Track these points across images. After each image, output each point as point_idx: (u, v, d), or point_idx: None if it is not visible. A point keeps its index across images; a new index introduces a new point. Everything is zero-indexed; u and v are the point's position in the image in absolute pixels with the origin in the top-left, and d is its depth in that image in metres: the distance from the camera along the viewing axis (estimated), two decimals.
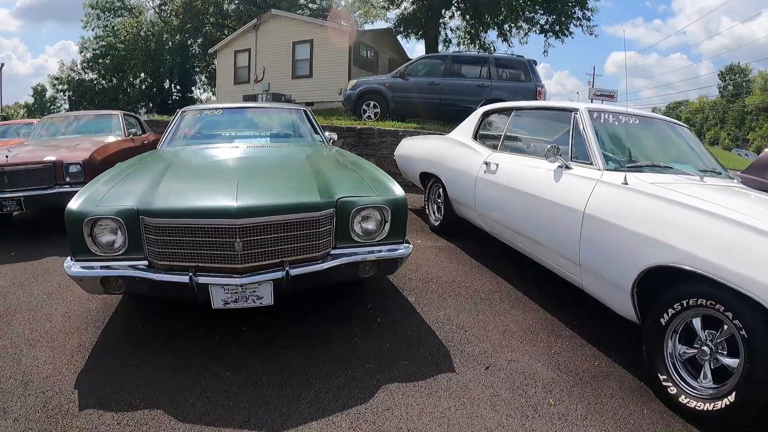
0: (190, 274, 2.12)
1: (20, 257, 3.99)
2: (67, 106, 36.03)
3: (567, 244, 2.66)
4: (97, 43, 28.38)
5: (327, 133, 4.37)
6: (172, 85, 27.35)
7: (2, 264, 3.81)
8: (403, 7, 19.12)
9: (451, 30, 22.50)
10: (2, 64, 37.03)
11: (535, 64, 9.57)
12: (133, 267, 2.17)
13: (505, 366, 2.34)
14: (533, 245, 3.13)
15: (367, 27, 20.21)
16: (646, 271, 2.12)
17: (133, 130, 6.44)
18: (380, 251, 2.43)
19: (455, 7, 18.54)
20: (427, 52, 19.46)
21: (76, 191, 4.26)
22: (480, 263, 3.99)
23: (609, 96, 30.84)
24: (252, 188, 2.35)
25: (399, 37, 20.61)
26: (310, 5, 24.22)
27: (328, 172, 2.78)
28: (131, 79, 27.03)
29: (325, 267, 2.27)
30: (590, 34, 19.22)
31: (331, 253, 2.35)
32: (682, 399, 1.99)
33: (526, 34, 21.54)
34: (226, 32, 24.36)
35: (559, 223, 2.73)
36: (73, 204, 2.22)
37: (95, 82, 28.26)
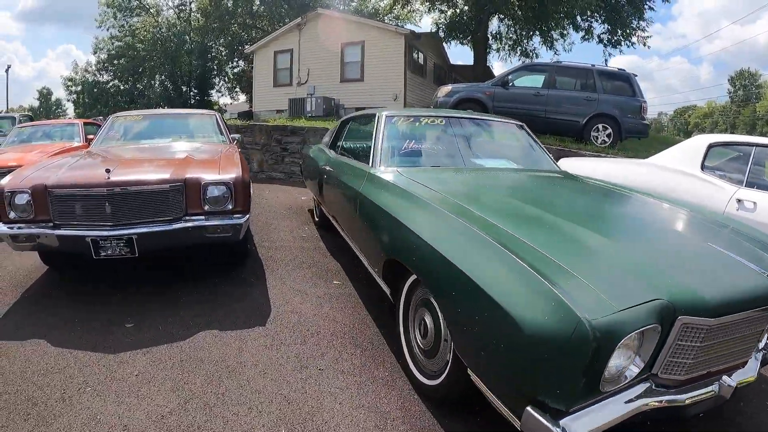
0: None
1: (146, 334, 2.61)
2: (73, 109, 34.46)
3: None
4: (112, 43, 26.90)
5: None
6: (190, 88, 25.88)
7: (127, 351, 2.41)
8: (449, 12, 17.86)
9: (492, 36, 21.42)
10: (9, 66, 35.62)
11: (636, 77, 9.01)
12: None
13: None
14: None
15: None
16: None
17: (236, 136, 5.01)
18: None
19: (508, 13, 17.33)
20: (475, 59, 18.39)
21: (219, 226, 2.96)
22: None
23: None
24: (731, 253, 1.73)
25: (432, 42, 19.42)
26: (346, 7, 23.02)
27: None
28: (149, 81, 25.52)
29: None
30: (644, 45, 18.32)
31: None
32: None
33: (572, 42, 20.60)
34: (253, 33, 23.09)
35: None
36: (560, 312, 1.24)
37: (110, 84, 26.69)
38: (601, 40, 18.34)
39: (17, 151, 6.17)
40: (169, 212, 2.96)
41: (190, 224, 2.96)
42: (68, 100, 30.76)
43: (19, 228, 2.85)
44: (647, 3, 17.12)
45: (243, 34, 23.23)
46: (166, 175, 2.97)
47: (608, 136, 8.69)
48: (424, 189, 2.32)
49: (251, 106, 22.31)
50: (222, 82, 28.03)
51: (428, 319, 1.96)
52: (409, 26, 23.88)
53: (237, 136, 5.05)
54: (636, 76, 9.16)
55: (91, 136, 7.83)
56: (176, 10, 26.25)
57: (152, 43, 24.74)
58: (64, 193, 2.85)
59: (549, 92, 8.81)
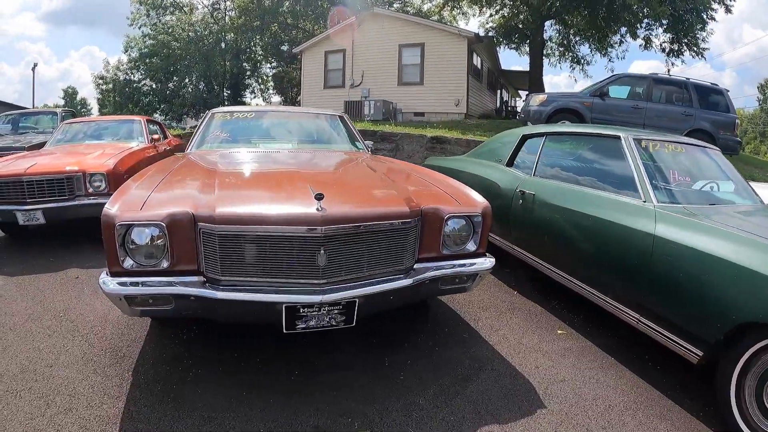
0: None
1: None
2: (98, 109, 34.09)
3: None
4: (144, 42, 26.48)
5: None
6: (223, 88, 25.33)
7: None
8: (508, 15, 17.11)
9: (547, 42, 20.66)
10: (35, 64, 35.44)
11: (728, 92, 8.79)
12: None
13: None
14: None
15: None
16: None
17: (369, 143, 4.24)
18: None
19: (571, 19, 16.56)
20: (531, 64, 17.58)
21: (459, 275, 2.26)
22: None
23: None
24: None
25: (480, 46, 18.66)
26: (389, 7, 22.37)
27: None
28: (183, 81, 24.99)
29: None
30: (698, 55, 17.57)
31: None
32: None
33: (626, 50, 19.81)
34: (293, 33, 22.54)
35: None
36: None
37: (142, 82, 26.22)
38: (663, 50, 17.62)
39: (71, 152, 5.05)
40: (403, 259, 2.10)
41: (427, 275, 2.13)
42: (98, 98, 30.35)
43: (134, 284, 1.82)
44: (710, 12, 16.42)
45: (282, 34, 22.66)
46: (403, 207, 2.08)
47: None
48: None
49: None
50: (255, 83, 27.51)
51: None
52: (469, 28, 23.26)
53: (369, 143, 4.26)
54: (728, 91, 8.84)
55: (156, 136, 6.99)
56: (210, 8, 25.78)
57: (187, 42, 24.27)
58: (239, 231, 1.83)
59: (648, 105, 8.42)
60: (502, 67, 19.02)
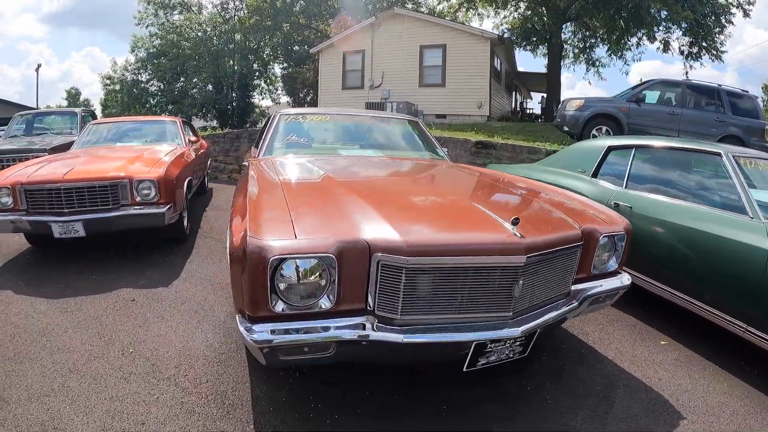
0: None
1: None
2: (101, 110, 33.61)
3: None
4: (151, 42, 26.07)
5: None
6: (232, 89, 24.86)
7: None
8: (533, 16, 16.81)
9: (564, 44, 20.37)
10: (39, 65, 34.92)
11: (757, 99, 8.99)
12: None
13: None
14: None
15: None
16: None
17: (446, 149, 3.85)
18: None
19: (590, 21, 16.27)
20: (549, 66, 17.31)
21: (606, 293, 2.16)
22: None
23: None
24: None
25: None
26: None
27: None
28: (188, 82, 24.54)
29: None
30: (718, 59, 17.38)
31: None
32: None
33: (642, 52, 19.62)
34: (305, 33, 22.18)
35: None
36: None
37: (150, 83, 25.78)
38: (682, 52, 17.44)
39: (105, 156, 4.61)
40: (568, 283, 2.00)
41: (585, 295, 2.03)
42: (101, 99, 29.77)
43: (289, 331, 1.46)
44: (728, 15, 16.24)
45: (295, 34, 22.27)
46: (575, 229, 1.97)
47: None
48: None
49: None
50: (264, 84, 27.00)
51: None
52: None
53: (446, 150, 3.86)
54: (757, 97, 9.01)
55: (193, 138, 6.56)
56: (220, 8, 25.36)
57: (196, 42, 23.87)
58: (433, 264, 1.55)
59: (683, 111, 8.45)
60: (518, 69, 18.68)
